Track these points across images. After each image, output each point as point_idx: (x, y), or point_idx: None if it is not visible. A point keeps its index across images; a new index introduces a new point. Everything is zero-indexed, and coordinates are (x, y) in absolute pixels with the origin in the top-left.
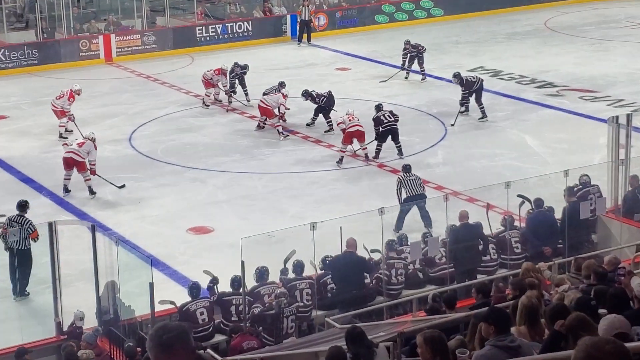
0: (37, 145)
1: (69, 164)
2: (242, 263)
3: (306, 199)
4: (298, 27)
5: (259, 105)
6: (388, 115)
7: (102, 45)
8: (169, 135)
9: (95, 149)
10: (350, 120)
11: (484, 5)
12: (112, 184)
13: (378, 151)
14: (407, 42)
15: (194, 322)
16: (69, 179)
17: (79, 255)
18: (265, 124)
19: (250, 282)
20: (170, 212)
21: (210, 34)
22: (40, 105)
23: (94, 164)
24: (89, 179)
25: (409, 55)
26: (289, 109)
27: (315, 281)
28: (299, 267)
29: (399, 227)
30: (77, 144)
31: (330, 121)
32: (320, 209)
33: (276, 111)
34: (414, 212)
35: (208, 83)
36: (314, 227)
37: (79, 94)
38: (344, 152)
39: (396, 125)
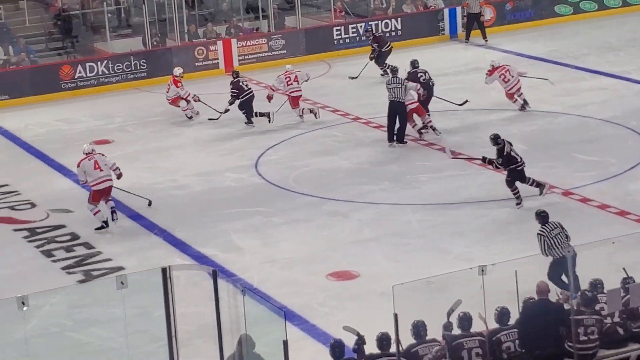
0: (147, 175)
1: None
2: (395, 316)
3: (473, 236)
4: (466, 22)
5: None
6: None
7: (222, 52)
8: (302, 159)
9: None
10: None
11: None
12: (140, 196)
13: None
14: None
15: None
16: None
17: (198, 307)
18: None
19: (404, 340)
20: (306, 253)
21: (351, 35)
22: (149, 126)
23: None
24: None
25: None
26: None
27: (486, 338)
28: (465, 320)
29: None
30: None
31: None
32: (490, 248)
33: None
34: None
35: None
36: (483, 270)
37: (182, 77)
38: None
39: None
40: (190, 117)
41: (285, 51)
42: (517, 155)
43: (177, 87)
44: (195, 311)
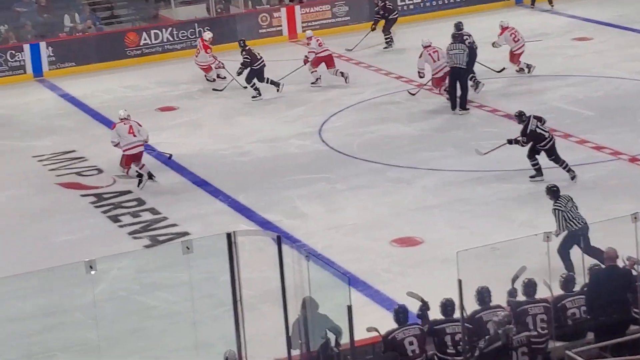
0: (212, 142)
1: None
2: (460, 282)
3: (537, 203)
4: None
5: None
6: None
7: (285, 19)
8: (366, 126)
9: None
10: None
11: None
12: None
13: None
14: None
15: (401, 353)
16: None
17: (263, 272)
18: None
19: (468, 306)
20: (369, 220)
21: (414, 1)
22: (213, 93)
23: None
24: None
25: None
26: None
27: (551, 305)
28: (530, 287)
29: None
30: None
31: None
32: None
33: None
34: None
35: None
36: (548, 237)
37: (211, 41)
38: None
39: None
40: (213, 81)
41: (348, 17)
42: (545, 131)
43: (206, 52)
44: (260, 276)
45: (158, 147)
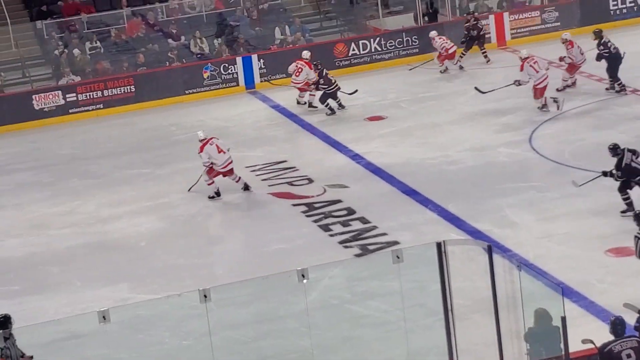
0: (420, 151)
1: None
2: None
3: None
4: None
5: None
6: None
7: (494, 26)
8: (578, 133)
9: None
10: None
11: None
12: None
13: None
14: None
15: None
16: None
17: (473, 281)
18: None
19: None
20: (583, 229)
21: (628, 4)
22: (422, 102)
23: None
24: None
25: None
26: None
27: None
28: None
29: None
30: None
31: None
32: None
33: None
34: None
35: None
36: None
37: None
38: None
39: None
40: (303, 104)
41: (558, 23)
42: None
43: (311, 68)
44: (470, 286)
45: (367, 157)
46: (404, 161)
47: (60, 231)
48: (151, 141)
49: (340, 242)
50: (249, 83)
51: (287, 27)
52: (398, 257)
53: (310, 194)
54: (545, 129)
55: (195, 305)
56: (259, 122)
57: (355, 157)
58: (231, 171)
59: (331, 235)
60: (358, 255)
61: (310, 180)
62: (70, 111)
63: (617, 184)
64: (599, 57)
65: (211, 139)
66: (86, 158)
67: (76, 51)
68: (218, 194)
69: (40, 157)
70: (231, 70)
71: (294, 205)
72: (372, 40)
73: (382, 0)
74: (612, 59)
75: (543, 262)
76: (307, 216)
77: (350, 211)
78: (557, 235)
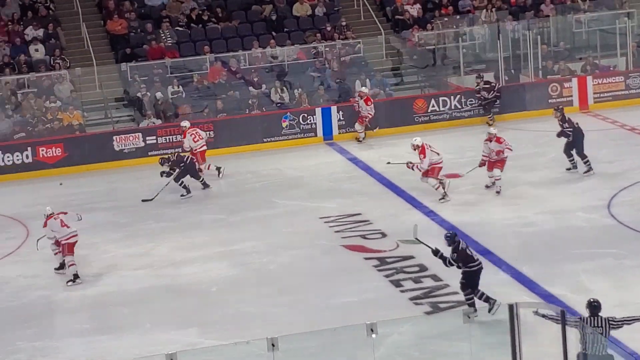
0: (497, 211)
1: None
2: None
3: None
4: None
5: None
6: None
7: (576, 89)
8: None
9: None
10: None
11: None
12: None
13: None
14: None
15: None
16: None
17: (544, 347)
18: None
19: None
20: None
21: None
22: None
23: None
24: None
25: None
26: None
27: None
28: None
29: None
30: None
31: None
32: None
33: None
34: None
35: None
36: None
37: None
38: None
39: None
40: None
41: None
42: (474, 254)
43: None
44: (541, 351)
45: (442, 214)
46: (478, 220)
47: (133, 272)
48: (227, 187)
49: (411, 299)
50: (327, 134)
51: (367, 80)
52: (469, 317)
53: (383, 248)
54: (624, 195)
55: (263, 354)
56: (335, 174)
57: (430, 214)
58: (73, 245)
59: (402, 291)
60: (428, 313)
61: (384, 235)
62: (149, 153)
63: None
64: (561, 135)
65: (59, 213)
66: (162, 201)
67: (158, 94)
68: (63, 266)
69: (118, 197)
70: (310, 121)
71: (366, 258)
72: (452, 97)
73: (463, 59)
74: (577, 135)
75: (617, 331)
76: (379, 270)
77: (423, 268)
78: (632, 304)
